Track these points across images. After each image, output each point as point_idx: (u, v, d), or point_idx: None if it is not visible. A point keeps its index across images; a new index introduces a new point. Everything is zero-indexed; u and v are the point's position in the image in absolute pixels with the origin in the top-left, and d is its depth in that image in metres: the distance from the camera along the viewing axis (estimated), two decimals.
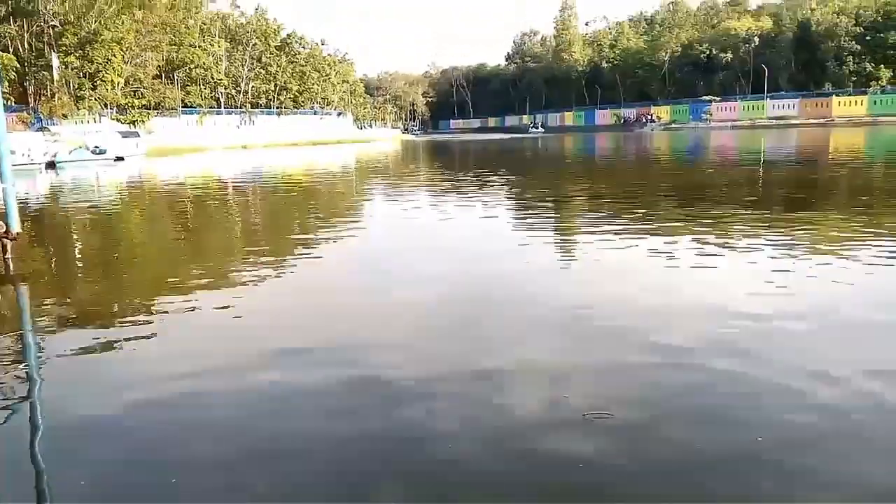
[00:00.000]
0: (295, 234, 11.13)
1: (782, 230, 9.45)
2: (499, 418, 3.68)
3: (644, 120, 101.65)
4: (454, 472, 3.14)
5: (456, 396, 3.98)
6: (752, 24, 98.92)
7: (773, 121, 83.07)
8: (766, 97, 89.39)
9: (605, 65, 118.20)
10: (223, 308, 6.17)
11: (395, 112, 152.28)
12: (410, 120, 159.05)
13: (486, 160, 36.51)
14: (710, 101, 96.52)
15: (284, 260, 8.61)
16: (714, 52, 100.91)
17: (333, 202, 17.19)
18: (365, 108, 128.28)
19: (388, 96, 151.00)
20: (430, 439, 3.46)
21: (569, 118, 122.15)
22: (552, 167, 30.45)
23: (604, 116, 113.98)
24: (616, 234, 9.42)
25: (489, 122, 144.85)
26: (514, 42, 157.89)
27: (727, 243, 8.51)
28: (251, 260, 8.57)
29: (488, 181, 20.09)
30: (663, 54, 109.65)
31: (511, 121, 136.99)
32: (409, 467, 3.21)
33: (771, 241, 8.56)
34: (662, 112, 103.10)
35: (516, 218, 12.04)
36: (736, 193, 14.87)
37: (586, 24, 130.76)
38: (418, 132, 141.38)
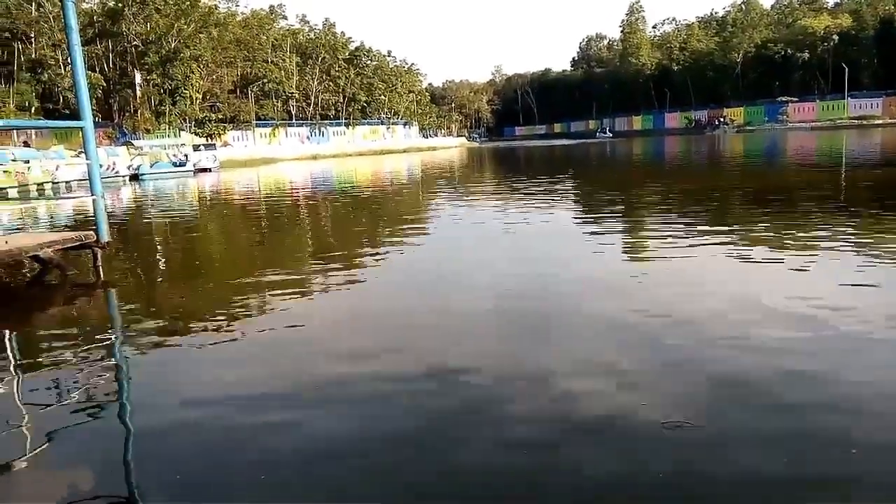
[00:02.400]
0: (366, 242, 11.35)
1: (866, 235, 9.06)
2: (576, 425, 3.67)
3: (716, 122, 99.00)
4: (527, 482, 3.18)
5: (527, 406, 3.98)
6: (830, 22, 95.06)
7: (855, 121, 79.43)
8: (847, 96, 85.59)
9: (674, 67, 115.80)
10: (298, 312, 6.39)
11: (460, 120, 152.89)
12: (475, 127, 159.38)
13: (554, 166, 36.24)
14: (787, 101, 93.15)
15: (357, 267, 8.79)
16: (790, 52, 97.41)
17: (402, 209, 17.42)
18: (430, 118, 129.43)
19: (453, 105, 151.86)
20: (499, 449, 3.48)
21: (636, 122, 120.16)
22: (624, 172, 29.98)
23: (673, 119, 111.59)
24: (692, 238, 9.23)
25: (554, 128, 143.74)
26: (579, 47, 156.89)
27: (808, 248, 8.22)
28: (324, 267, 8.81)
29: (557, 186, 19.96)
30: (736, 55, 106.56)
31: (577, 126, 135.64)
32: (483, 476, 3.27)
33: (855, 246, 8.22)
34: (735, 114, 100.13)
35: (588, 222, 11.93)
36: (816, 197, 14.31)
37: (654, 27, 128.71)
38: (481, 139, 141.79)
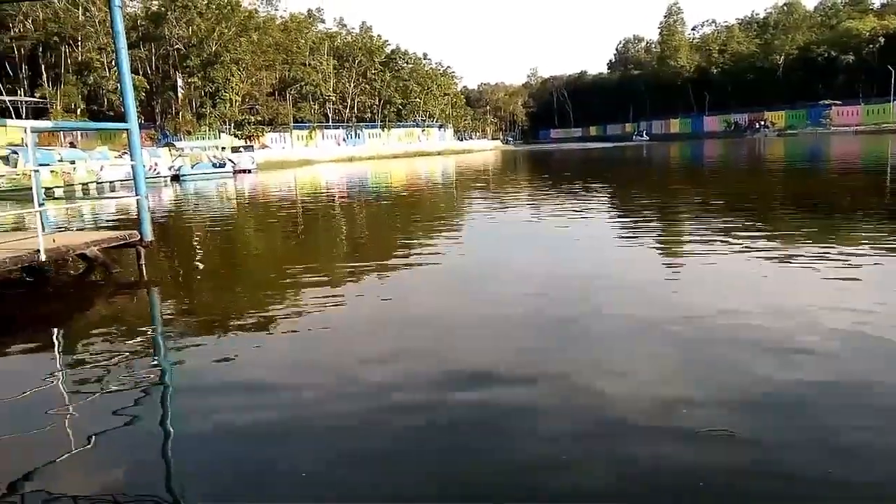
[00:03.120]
0: (401, 244, 11.42)
1: None
2: (612, 433, 3.65)
3: (757, 126, 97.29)
4: (563, 488, 3.19)
5: (563, 411, 3.96)
6: (876, 23, 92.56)
7: None
8: (893, 99, 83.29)
9: (713, 70, 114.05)
10: (334, 313, 6.48)
11: (495, 123, 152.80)
12: (510, 130, 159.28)
13: (590, 170, 35.99)
14: (830, 105, 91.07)
15: (392, 269, 8.85)
16: (834, 54, 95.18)
17: (437, 212, 17.47)
18: (465, 120, 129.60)
19: (488, 107, 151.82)
20: (534, 456, 3.48)
21: (674, 125, 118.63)
22: (659, 176, 29.63)
23: (712, 123, 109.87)
24: (729, 245, 9.11)
25: (590, 131, 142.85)
26: (616, 49, 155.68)
27: (851, 255, 8.04)
28: (359, 268, 8.89)
29: (589, 191, 19.83)
30: (777, 57, 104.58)
31: (613, 129, 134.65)
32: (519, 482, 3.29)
33: None
34: (777, 117, 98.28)
35: (621, 228, 11.84)
36: (862, 203, 13.98)
37: (693, 29, 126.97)
38: (515, 142, 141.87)
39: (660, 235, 10.86)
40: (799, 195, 16.97)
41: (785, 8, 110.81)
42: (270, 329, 6.02)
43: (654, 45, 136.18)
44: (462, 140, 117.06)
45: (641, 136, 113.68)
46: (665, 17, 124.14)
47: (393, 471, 3.33)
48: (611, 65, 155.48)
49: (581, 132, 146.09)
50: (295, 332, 5.91)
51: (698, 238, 9.92)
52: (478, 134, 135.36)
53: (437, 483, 3.21)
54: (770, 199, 16.11)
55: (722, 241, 9.36)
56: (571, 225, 12.30)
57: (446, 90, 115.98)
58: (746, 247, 8.90)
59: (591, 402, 4.03)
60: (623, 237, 10.63)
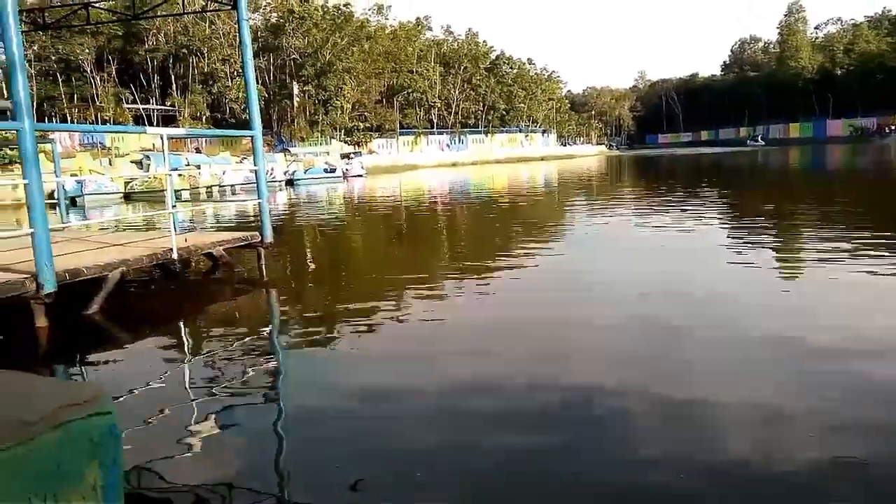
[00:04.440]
0: (501, 249, 11.48)
1: None
2: (720, 460, 3.55)
3: (887, 130, 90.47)
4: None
5: (663, 434, 3.84)
6: None
7: None
8: None
9: (838, 71, 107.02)
10: (432, 316, 6.71)
11: (600, 128, 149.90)
12: (616, 135, 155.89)
13: (695, 177, 34.71)
14: None
15: (491, 275, 8.91)
16: None
17: (538, 218, 17.43)
18: (569, 125, 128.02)
19: (593, 112, 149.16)
20: (631, 483, 3.48)
21: (793, 130, 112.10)
22: (775, 187, 28.20)
23: (836, 127, 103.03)
24: (856, 264, 8.65)
25: (701, 136, 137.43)
26: (731, 50, 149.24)
27: None
28: (461, 271, 9.04)
29: (698, 200, 19.17)
30: None
31: (726, 134, 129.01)
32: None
33: None
34: None
35: (733, 241, 11.41)
36: None
37: (816, 28, 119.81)
38: (619, 147, 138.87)
39: (776, 251, 10.40)
40: None
41: None
42: (380, 327, 6.28)
43: (772, 46, 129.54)
44: (565, 145, 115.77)
45: (756, 140, 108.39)
46: (785, 15, 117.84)
47: (505, 475, 3.42)
48: (724, 66, 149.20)
49: (691, 137, 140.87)
50: (403, 332, 6.14)
51: (821, 253, 9.45)
52: (582, 139, 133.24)
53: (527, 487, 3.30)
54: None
55: (846, 259, 8.87)
56: (679, 235, 11.98)
57: (550, 95, 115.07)
58: (874, 266, 8.40)
59: (698, 426, 3.95)
60: (735, 251, 10.25)
